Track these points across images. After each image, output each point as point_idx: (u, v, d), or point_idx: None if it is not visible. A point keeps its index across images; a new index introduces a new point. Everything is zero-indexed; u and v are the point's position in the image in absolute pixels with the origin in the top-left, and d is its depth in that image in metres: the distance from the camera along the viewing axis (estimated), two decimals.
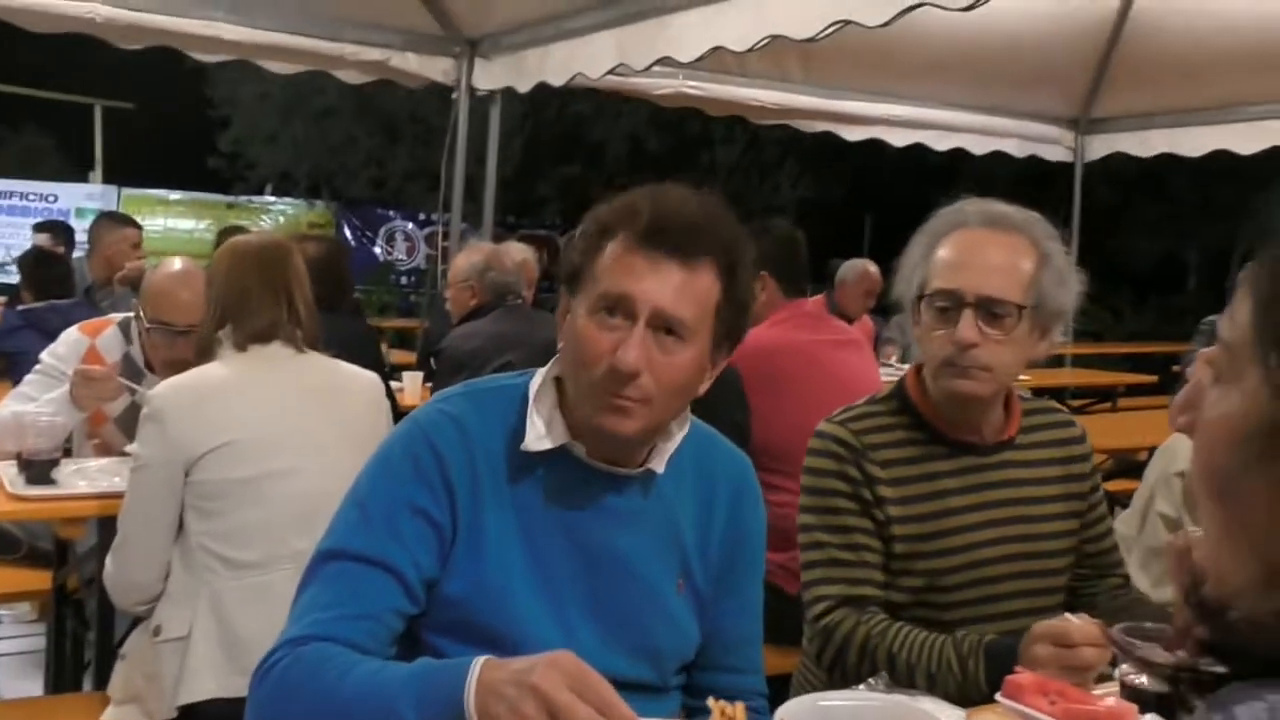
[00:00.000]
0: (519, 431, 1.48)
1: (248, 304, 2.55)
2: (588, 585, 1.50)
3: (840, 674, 1.77)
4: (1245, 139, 7.02)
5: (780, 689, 1.77)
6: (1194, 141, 7.33)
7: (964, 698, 1.66)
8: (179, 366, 2.69)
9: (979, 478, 1.94)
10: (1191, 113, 7.22)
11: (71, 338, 3.26)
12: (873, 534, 1.88)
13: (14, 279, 9.68)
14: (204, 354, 2.57)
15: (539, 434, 1.47)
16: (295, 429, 2.49)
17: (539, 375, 1.52)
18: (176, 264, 3.19)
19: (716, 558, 1.59)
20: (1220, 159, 7.61)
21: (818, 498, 1.92)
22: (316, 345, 2.65)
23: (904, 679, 1.71)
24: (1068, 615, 1.64)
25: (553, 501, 1.49)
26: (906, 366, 6.15)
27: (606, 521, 1.50)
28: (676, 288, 1.41)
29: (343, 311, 4.08)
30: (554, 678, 1.17)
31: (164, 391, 2.44)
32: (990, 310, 1.83)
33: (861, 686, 1.56)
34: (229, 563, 2.40)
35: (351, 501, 1.50)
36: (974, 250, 1.87)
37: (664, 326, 1.41)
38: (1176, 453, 2.35)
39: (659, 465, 1.51)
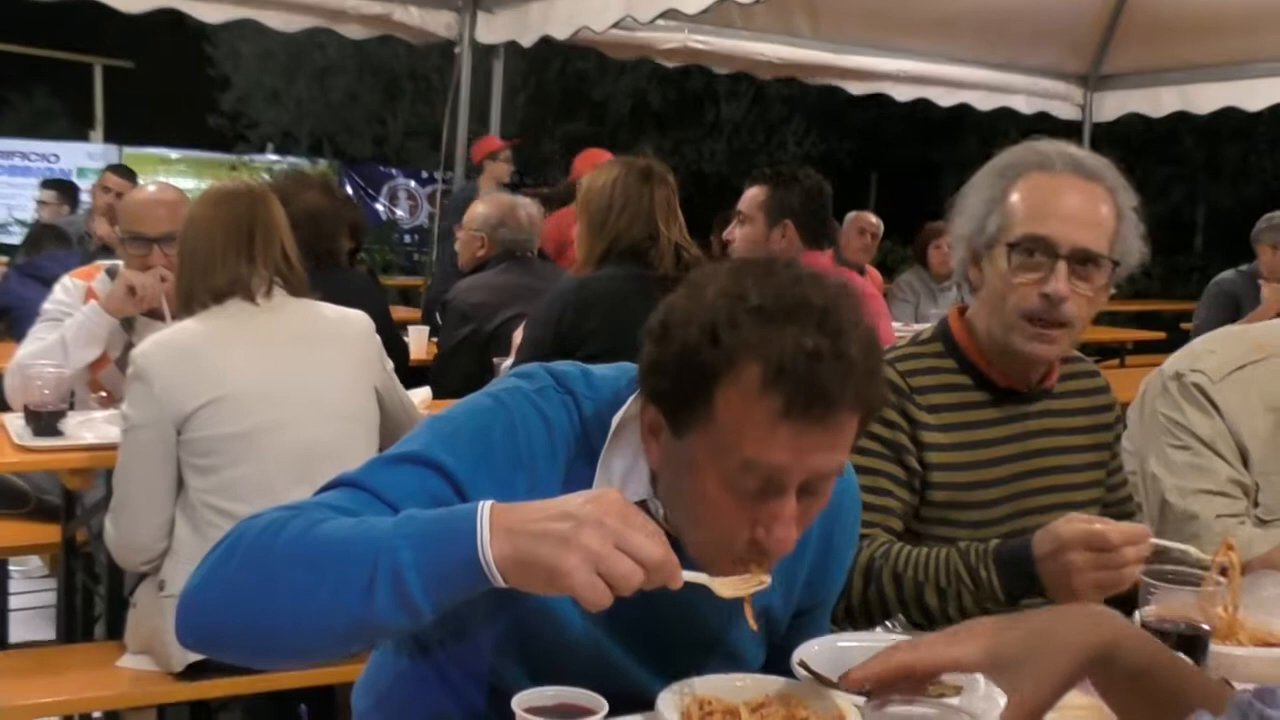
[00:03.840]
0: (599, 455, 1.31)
1: (211, 259, 2.52)
2: (648, 632, 1.34)
3: (845, 607, 1.69)
4: (1254, 95, 6.98)
5: None
6: (1203, 98, 7.29)
7: (981, 609, 1.61)
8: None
9: (1022, 426, 1.88)
10: (1201, 69, 7.17)
11: (67, 284, 3.32)
12: (900, 483, 1.80)
13: (16, 239, 9.73)
14: (185, 306, 2.55)
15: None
16: (284, 380, 2.48)
17: (622, 410, 1.31)
18: (152, 185, 3.43)
19: (801, 592, 1.48)
20: (1228, 119, 7.55)
21: None
22: (304, 294, 2.62)
23: (912, 598, 1.66)
24: (1071, 516, 1.56)
25: None
26: (919, 326, 6.19)
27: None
28: (826, 449, 1.19)
29: (340, 265, 4.03)
30: (613, 515, 1.07)
31: (148, 350, 2.42)
32: (1082, 262, 1.74)
33: (879, 629, 1.56)
34: (230, 517, 2.38)
35: (398, 449, 1.32)
36: (1063, 197, 1.76)
37: (812, 485, 1.22)
38: (1163, 370, 2.23)
39: None
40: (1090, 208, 1.75)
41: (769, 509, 1.19)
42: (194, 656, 2.39)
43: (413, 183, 15.76)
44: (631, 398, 1.31)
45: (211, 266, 2.51)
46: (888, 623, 1.58)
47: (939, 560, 1.66)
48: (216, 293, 2.50)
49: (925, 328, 1.99)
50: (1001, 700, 1.02)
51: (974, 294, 1.88)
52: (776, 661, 1.46)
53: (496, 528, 1.07)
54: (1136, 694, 0.98)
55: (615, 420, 1.31)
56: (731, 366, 1.16)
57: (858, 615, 1.69)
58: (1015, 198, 1.78)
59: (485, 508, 1.09)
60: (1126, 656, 0.98)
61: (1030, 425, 1.89)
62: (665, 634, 1.36)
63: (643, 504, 1.28)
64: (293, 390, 2.48)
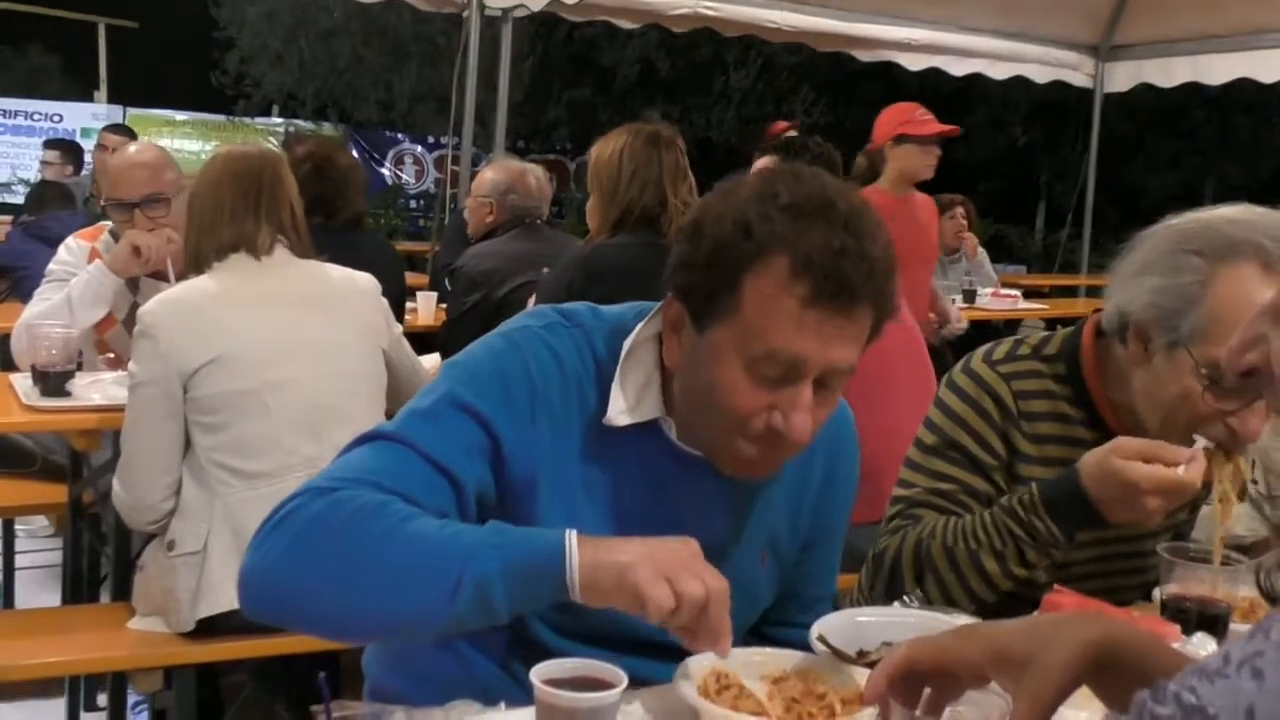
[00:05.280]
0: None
1: (220, 217, 2.51)
2: None
3: (898, 596, 1.61)
4: (1267, 66, 6.92)
5: None
6: (1215, 69, 7.23)
7: (1046, 556, 1.56)
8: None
9: None
10: (1213, 39, 7.12)
11: (71, 245, 3.30)
12: (978, 497, 1.69)
13: (19, 199, 9.71)
14: (193, 265, 2.55)
15: (623, 407, 1.33)
16: (289, 337, 2.48)
17: (634, 333, 1.37)
18: (132, 146, 3.33)
19: (807, 523, 1.51)
20: (1239, 92, 7.51)
21: (937, 436, 1.72)
22: (309, 255, 2.62)
23: (970, 568, 1.59)
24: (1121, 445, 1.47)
25: (640, 472, 1.37)
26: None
27: (693, 501, 1.37)
28: (845, 341, 1.25)
29: (364, 228, 4.02)
30: (700, 574, 1.12)
31: (154, 308, 2.42)
32: None
33: (896, 604, 1.54)
34: (241, 474, 2.39)
35: (423, 399, 1.35)
36: None
37: (827, 379, 1.27)
38: None
39: None
40: None
41: (787, 395, 1.25)
42: (203, 616, 2.39)
43: (419, 148, 15.71)
44: (641, 323, 1.37)
45: (219, 222, 2.51)
46: (905, 597, 1.56)
47: (986, 524, 1.60)
48: (222, 249, 2.50)
49: (1051, 336, 1.77)
50: None
51: (1121, 342, 1.63)
52: (787, 608, 1.54)
53: (583, 553, 1.13)
54: (1136, 687, 0.98)
55: (627, 344, 1.36)
56: (761, 257, 1.23)
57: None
58: (1219, 301, 1.48)
59: (573, 544, 1.14)
60: (1124, 649, 0.98)
61: None
62: None
63: (654, 423, 1.35)
64: (299, 348, 2.48)
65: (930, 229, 5.00)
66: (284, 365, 2.44)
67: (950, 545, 1.61)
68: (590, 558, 1.12)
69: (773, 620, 1.55)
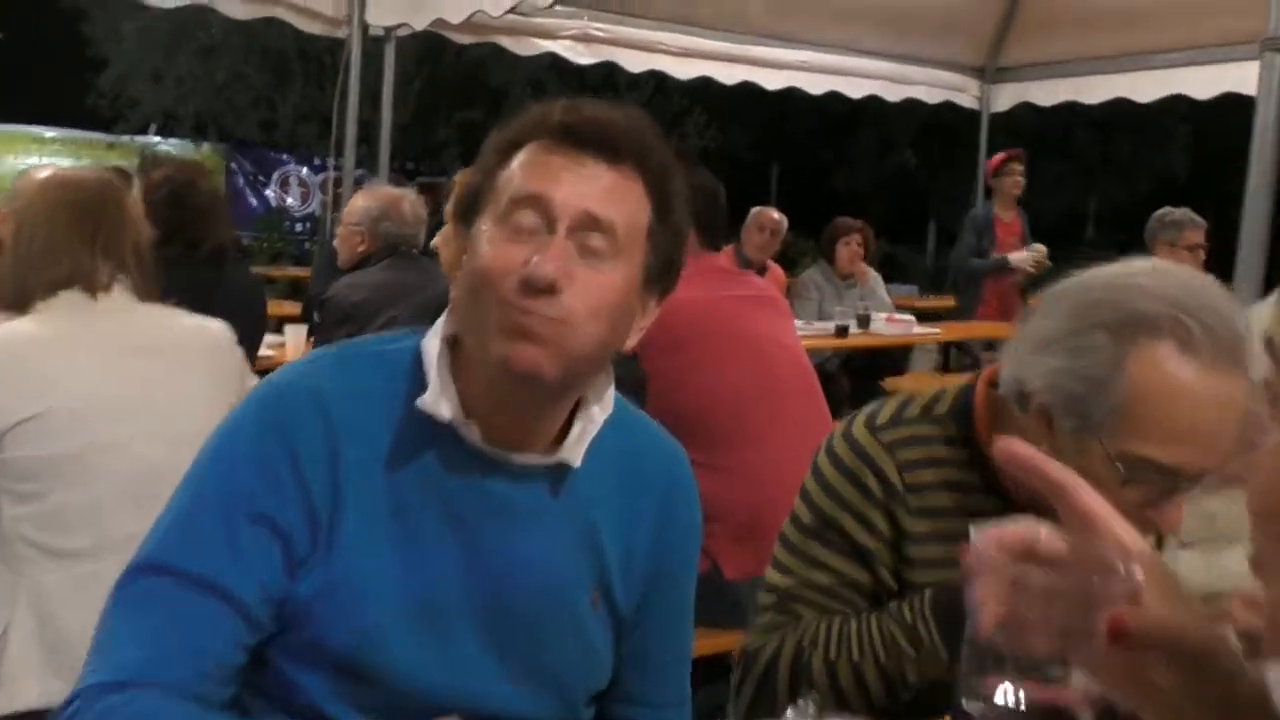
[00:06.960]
0: (398, 408, 1.19)
1: (51, 249, 2.19)
2: (479, 597, 1.21)
3: (769, 710, 1.44)
4: (1144, 87, 7.10)
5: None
6: (1096, 90, 7.41)
7: (925, 681, 1.39)
8: None
9: None
10: (1094, 61, 7.28)
11: None
12: (861, 590, 1.50)
13: None
14: (15, 304, 2.22)
15: (437, 395, 1.18)
16: (124, 394, 2.16)
17: (431, 333, 1.23)
18: None
19: (641, 571, 1.32)
20: (1119, 114, 7.67)
21: (814, 515, 1.53)
22: (154, 298, 2.31)
23: (851, 686, 1.42)
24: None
25: (436, 494, 1.19)
26: (821, 325, 6.08)
27: (504, 520, 1.21)
28: (604, 188, 1.16)
29: (229, 260, 3.76)
30: None
31: None
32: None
33: (790, 711, 1.37)
34: (51, 552, 2.07)
35: (183, 499, 1.20)
36: (1203, 412, 1.23)
37: (586, 235, 1.15)
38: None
39: (575, 457, 1.21)
40: (1229, 429, 1.23)
41: (540, 241, 1.14)
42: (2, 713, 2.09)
43: (304, 169, 15.32)
44: (435, 325, 1.24)
45: (53, 255, 2.18)
46: (799, 701, 1.39)
47: (872, 633, 1.43)
48: (52, 284, 2.17)
49: (944, 393, 1.57)
50: None
51: (1021, 410, 1.39)
52: (636, 679, 1.36)
53: None
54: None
55: (426, 342, 1.23)
56: (512, 148, 1.21)
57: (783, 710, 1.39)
58: (1135, 388, 1.26)
59: None
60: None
61: None
62: (508, 612, 1.22)
63: (452, 431, 1.18)
64: (134, 406, 2.17)
65: None
66: (114, 425, 2.13)
67: (833, 660, 1.44)
68: None
69: (618, 697, 1.36)
